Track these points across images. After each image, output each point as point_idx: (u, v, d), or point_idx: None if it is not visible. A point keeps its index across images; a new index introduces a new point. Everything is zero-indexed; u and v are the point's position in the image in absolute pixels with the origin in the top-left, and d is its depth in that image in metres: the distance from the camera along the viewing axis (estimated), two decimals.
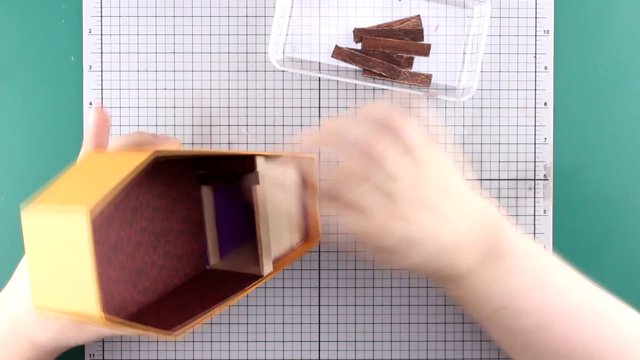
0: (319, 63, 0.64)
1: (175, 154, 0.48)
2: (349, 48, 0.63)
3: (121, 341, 0.64)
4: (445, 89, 0.63)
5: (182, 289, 0.54)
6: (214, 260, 0.58)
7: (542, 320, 0.53)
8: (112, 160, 0.47)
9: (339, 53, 0.62)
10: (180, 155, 0.50)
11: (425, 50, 0.62)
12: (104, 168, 0.46)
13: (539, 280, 0.53)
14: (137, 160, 0.45)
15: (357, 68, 0.63)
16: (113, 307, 0.49)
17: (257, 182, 0.54)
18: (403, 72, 0.63)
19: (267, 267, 0.55)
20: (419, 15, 0.62)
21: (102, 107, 0.63)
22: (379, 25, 0.63)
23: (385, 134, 0.51)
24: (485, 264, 0.53)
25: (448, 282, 0.54)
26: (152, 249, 0.52)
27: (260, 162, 0.55)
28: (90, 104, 0.63)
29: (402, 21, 0.62)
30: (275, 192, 0.57)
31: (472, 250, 0.52)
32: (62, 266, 0.43)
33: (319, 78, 0.64)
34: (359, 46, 0.63)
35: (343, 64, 0.63)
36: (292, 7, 0.63)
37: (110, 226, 0.49)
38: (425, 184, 0.50)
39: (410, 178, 0.50)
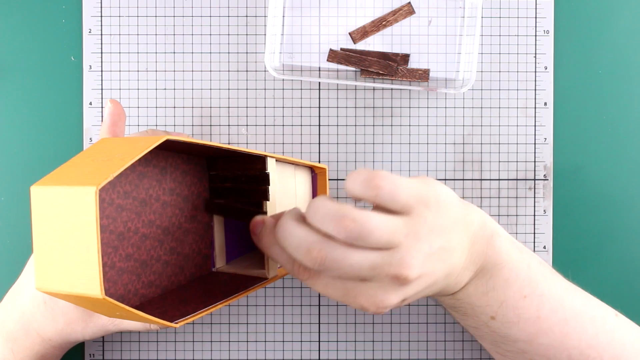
0: (319, 68, 0.64)
1: (186, 142, 0.48)
2: (343, 50, 0.63)
3: (121, 341, 0.64)
4: (445, 81, 0.63)
5: (186, 287, 0.55)
6: (220, 263, 0.58)
7: (537, 328, 0.53)
8: (124, 143, 0.47)
9: (334, 56, 0.62)
10: (192, 145, 0.50)
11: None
12: (115, 150, 0.46)
13: (531, 290, 0.53)
14: (149, 143, 0.45)
15: (356, 69, 0.63)
16: (116, 297, 0.50)
17: (268, 184, 0.54)
18: (400, 69, 0.63)
19: (272, 271, 0.55)
20: (409, 3, 0.62)
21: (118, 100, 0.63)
22: (373, 21, 0.63)
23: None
24: (478, 277, 0.53)
25: (443, 296, 0.55)
26: (158, 243, 0.53)
27: (271, 164, 0.55)
28: (90, 103, 0.63)
29: (394, 12, 0.62)
30: (285, 197, 0.57)
31: (470, 268, 0.52)
32: (67, 246, 0.43)
33: (319, 69, 0.64)
34: (352, 47, 0.63)
35: (342, 67, 0.63)
36: (283, 17, 0.63)
37: (119, 215, 0.49)
38: (425, 233, 0.48)
39: (405, 235, 0.48)
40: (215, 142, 0.52)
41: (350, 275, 0.48)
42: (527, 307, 0.53)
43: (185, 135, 0.60)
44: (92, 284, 0.42)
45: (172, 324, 0.47)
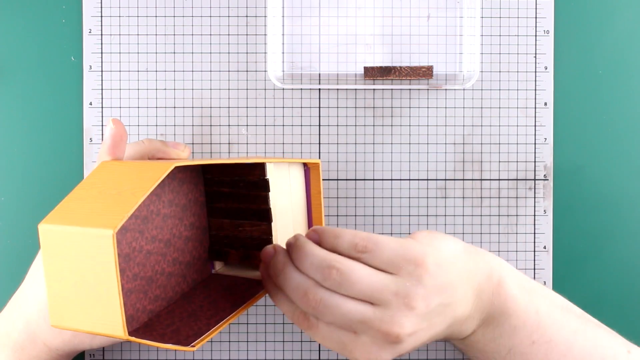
0: (319, 70, 0.64)
1: (193, 164, 0.48)
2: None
3: (121, 341, 0.64)
4: (446, 76, 0.63)
5: (189, 294, 0.54)
6: (219, 265, 0.58)
7: None
8: (130, 171, 0.47)
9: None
10: (197, 165, 0.50)
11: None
12: (122, 181, 0.45)
13: (539, 336, 0.53)
14: (158, 173, 0.44)
15: (357, 71, 0.63)
16: (126, 318, 0.49)
17: (268, 190, 0.54)
18: (404, 68, 0.63)
19: None
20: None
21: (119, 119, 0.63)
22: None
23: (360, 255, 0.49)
24: (485, 324, 0.53)
25: (452, 340, 0.55)
26: (161, 257, 0.52)
27: (270, 169, 0.55)
28: (90, 103, 0.63)
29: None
30: (280, 197, 0.57)
31: (476, 317, 0.52)
32: (83, 286, 0.42)
33: (319, 76, 0.64)
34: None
35: (342, 69, 0.63)
36: (283, 26, 0.63)
37: (123, 237, 0.49)
38: (421, 294, 0.48)
39: (405, 281, 0.48)
40: (218, 160, 0.51)
41: (344, 325, 0.48)
42: (535, 354, 0.52)
43: (182, 145, 0.59)
44: (115, 325, 0.41)
45: (190, 348, 0.46)
